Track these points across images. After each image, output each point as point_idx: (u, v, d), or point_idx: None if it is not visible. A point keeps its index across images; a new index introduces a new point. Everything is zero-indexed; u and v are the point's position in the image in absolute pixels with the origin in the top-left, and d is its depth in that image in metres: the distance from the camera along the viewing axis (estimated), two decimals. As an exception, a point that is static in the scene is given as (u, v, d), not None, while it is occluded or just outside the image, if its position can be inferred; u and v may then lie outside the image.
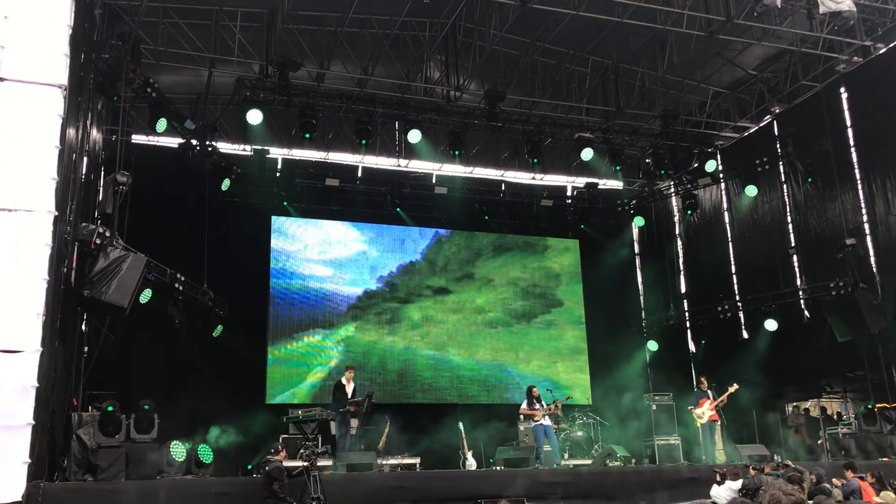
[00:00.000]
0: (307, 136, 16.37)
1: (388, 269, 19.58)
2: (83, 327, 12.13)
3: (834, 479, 10.47)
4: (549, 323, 20.80)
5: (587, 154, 18.31)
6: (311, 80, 16.61)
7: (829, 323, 16.60)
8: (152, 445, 11.39)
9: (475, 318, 20.09)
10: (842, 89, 17.53)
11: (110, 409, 10.84)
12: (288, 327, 18.19)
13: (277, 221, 18.64)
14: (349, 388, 14.02)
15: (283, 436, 13.85)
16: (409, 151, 19.15)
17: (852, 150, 17.33)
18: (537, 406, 14.31)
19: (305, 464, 10.61)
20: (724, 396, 15.15)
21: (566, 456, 15.35)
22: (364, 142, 16.96)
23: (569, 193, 21.82)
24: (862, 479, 10.61)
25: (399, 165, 19.91)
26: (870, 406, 15.69)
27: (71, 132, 10.66)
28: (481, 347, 19.90)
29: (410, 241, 20.01)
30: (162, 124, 14.80)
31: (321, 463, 11.59)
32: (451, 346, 19.58)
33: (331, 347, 18.52)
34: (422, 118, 17.29)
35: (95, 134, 13.40)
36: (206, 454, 11.91)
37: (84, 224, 11.32)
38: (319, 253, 18.97)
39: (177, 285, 14.38)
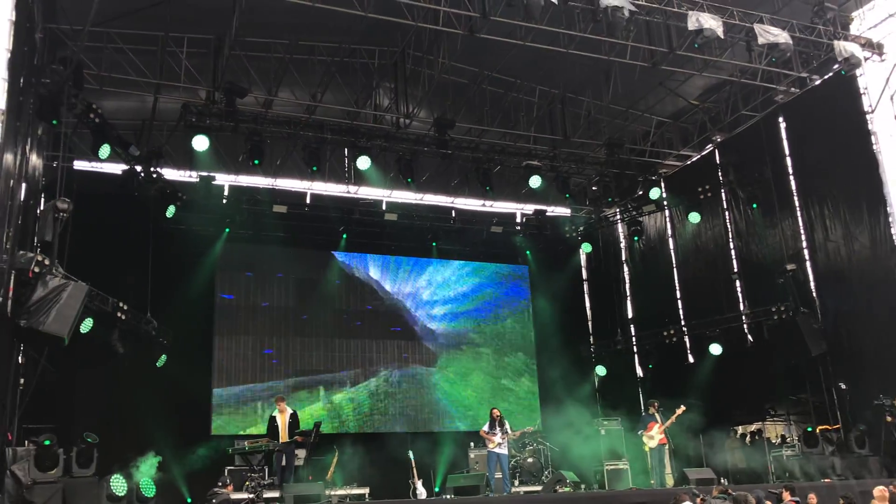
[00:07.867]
0: (256, 161, 16.22)
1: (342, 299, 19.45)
2: (19, 358, 11.75)
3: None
4: (499, 348, 20.83)
5: (535, 182, 18.56)
6: (259, 107, 16.48)
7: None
8: (92, 480, 11.04)
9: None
10: (780, 119, 18.05)
11: (47, 442, 10.48)
12: (235, 356, 17.88)
13: (224, 248, 18.34)
14: (280, 420, 13.50)
15: (229, 468, 13.55)
16: (359, 178, 19.07)
17: (791, 177, 17.82)
18: (497, 430, 14.05)
19: (252, 496, 10.40)
20: (673, 418, 15.20)
21: (516, 483, 15.29)
22: (315, 168, 16.88)
23: (518, 220, 21.98)
24: (798, 503, 10.78)
25: (349, 192, 19.83)
26: (809, 429, 16.00)
27: (9, 157, 10.42)
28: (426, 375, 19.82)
29: (359, 267, 19.92)
30: (105, 150, 14.52)
31: (268, 495, 11.37)
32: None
33: (276, 371, 18.21)
34: (371, 145, 17.28)
35: (35, 160, 13.08)
36: (148, 488, 11.57)
37: (22, 252, 11.01)
38: (267, 281, 18.73)
39: (119, 314, 14.05)
